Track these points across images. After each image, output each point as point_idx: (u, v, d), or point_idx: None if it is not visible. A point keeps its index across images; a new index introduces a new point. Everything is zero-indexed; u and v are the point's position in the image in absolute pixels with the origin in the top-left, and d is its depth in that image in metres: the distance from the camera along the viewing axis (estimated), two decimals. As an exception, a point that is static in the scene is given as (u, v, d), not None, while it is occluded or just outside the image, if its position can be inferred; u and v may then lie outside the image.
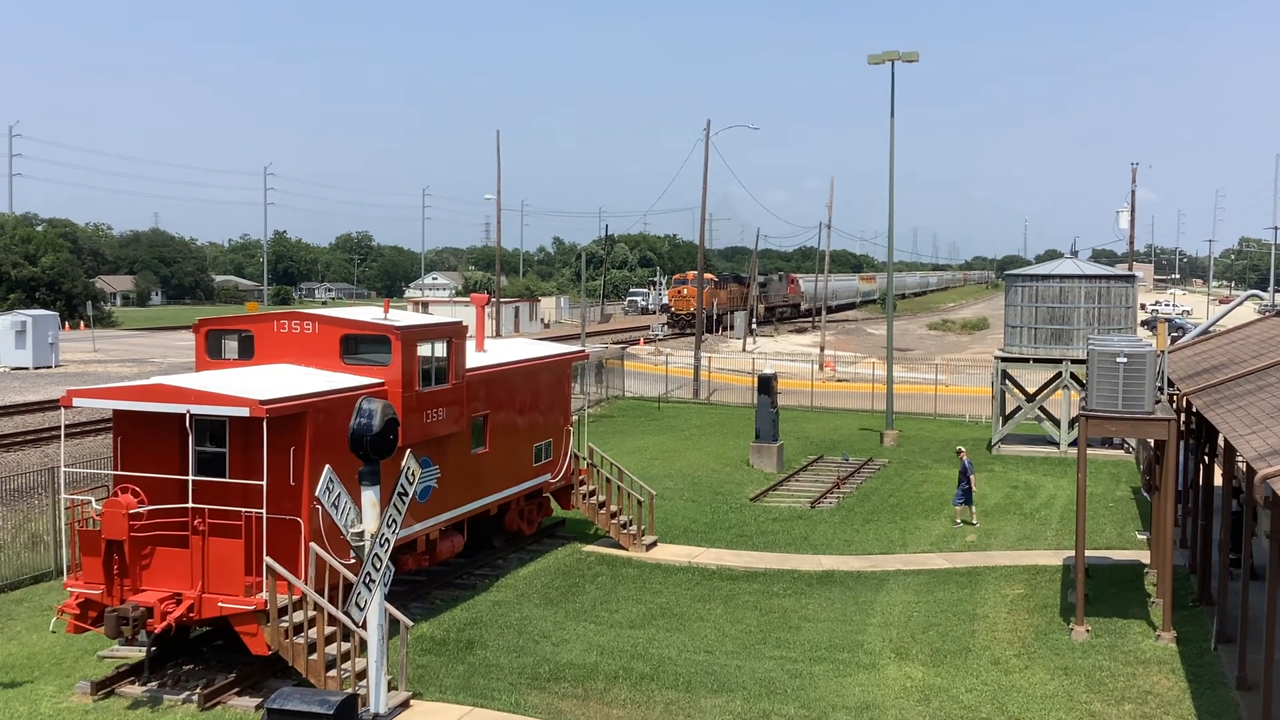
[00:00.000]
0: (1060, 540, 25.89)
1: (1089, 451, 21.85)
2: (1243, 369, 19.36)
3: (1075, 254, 45.87)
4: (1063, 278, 37.66)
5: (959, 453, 29.09)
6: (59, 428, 30.85)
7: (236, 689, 16.03)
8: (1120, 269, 50.19)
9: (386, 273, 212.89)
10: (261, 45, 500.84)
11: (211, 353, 18.76)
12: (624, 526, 24.91)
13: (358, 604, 11.01)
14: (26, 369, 53.48)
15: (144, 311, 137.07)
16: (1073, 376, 36.51)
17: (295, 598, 15.73)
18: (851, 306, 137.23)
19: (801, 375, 55.85)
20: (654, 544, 25.21)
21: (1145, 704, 16.13)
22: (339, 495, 11.02)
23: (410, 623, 16.50)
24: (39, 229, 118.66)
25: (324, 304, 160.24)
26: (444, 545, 20.48)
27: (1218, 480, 22.99)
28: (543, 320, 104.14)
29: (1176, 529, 23.06)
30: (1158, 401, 19.43)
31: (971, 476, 27.98)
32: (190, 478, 15.66)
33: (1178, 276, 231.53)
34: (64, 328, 68.27)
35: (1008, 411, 39.61)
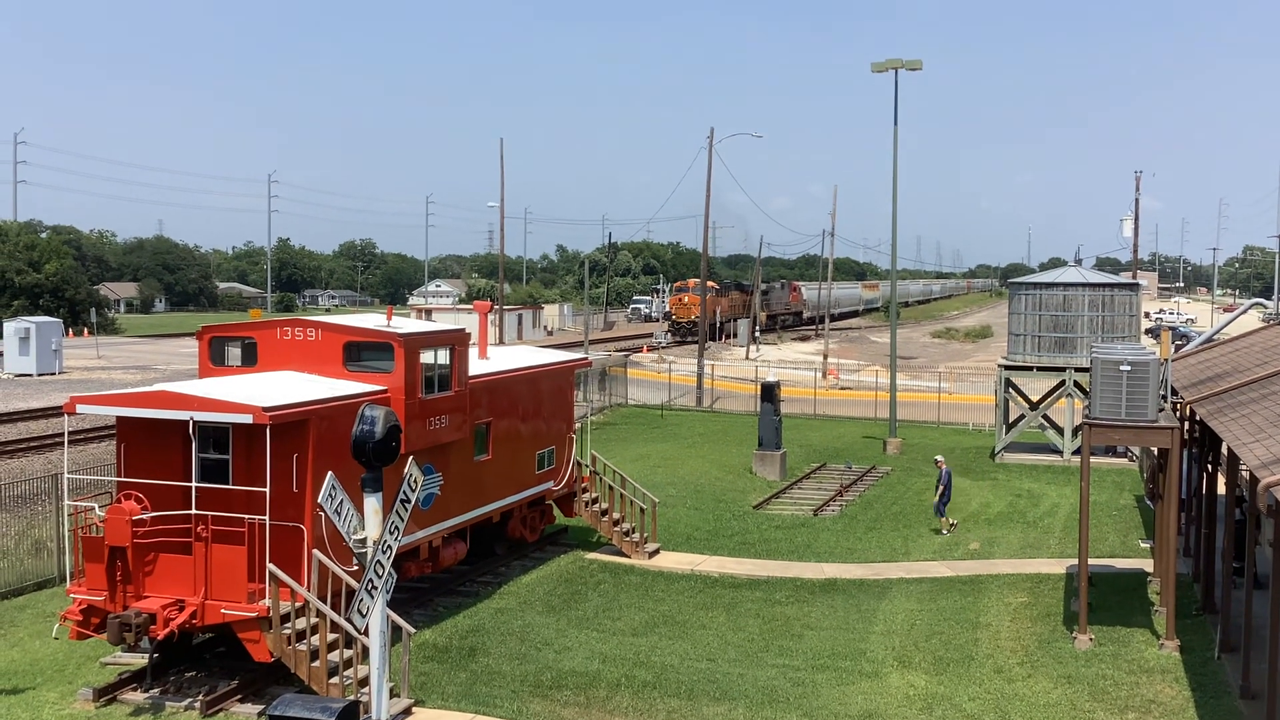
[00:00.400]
0: (1063, 548, 25.85)
1: (1092, 460, 21.83)
2: (1246, 377, 19.34)
3: (1079, 262, 45.88)
4: (1066, 286, 37.66)
5: (937, 462, 29.23)
6: (63, 434, 30.89)
7: (239, 696, 16.03)
8: (1124, 277, 50.14)
9: (390, 280, 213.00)
10: (265, 53, 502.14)
11: (215, 360, 18.79)
12: (626, 534, 24.90)
13: (360, 611, 11.00)
14: (30, 376, 53.53)
15: (148, 319, 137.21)
16: (1076, 384, 36.49)
17: (298, 604, 15.73)
18: (854, 314, 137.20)
19: (805, 383, 55.83)
20: (656, 551, 25.19)
21: (1149, 713, 16.10)
22: (341, 502, 11.01)
23: (413, 630, 16.51)
24: (43, 236, 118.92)
25: (327, 311, 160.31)
26: (447, 552, 20.47)
27: (1221, 489, 22.94)
28: (546, 328, 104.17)
29: (1180, 537, 23.02)
30: (1161, 410, 19.42)
31: (945, 486, 28.10)
32: (193, 484, 15.68)
33: (1182, 285, 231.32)
34: (68, 335, 68.37)
35: (1011, 419, 39.57)
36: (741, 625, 20.24)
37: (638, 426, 46.03)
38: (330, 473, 11.25)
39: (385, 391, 17.83)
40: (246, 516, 15.47)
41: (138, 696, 16.02)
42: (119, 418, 16.40)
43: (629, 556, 24.68)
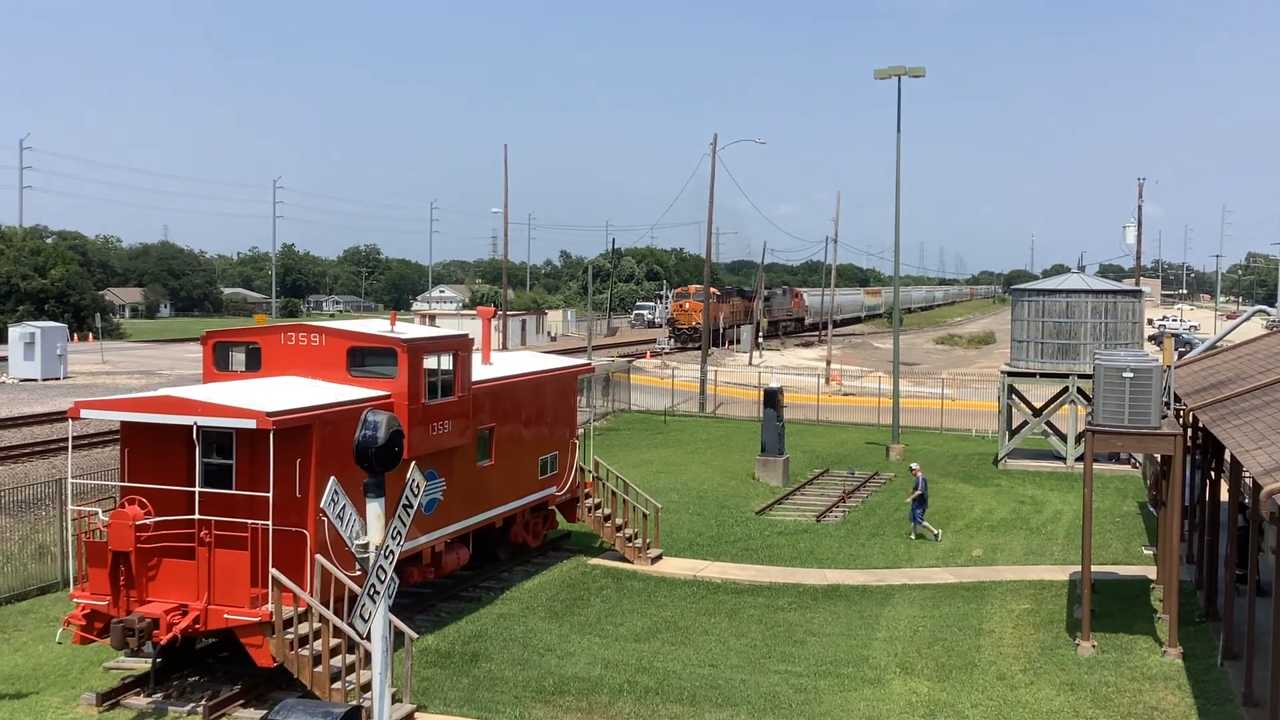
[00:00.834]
0: (1066, 555, 25.83)
1: (1095, 466, 21.83)
2: (1249, 384, 19.34)
3: (1082, 269, 45.81)
4: (1069, 292, 37.66)
5: (912, 469, 29.28)
6: (67, 439, 30.91)
7: (241, 700, 16.05)
8: (1127, 284, 50.15)
9: (394, 285, 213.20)
10: (270, 59, 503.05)
11: (219, 365, 18.84)
12: (629, 540, 24.91)
13: (362, 616, 11.01)
14: (35, 380, 53.61)
15: (152, 324, 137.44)
16: (1079, 391, 36.48)
17: (300, 609, 15.75)
18: (857, 321, 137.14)
19: (808, 389, 55.83)
20: (659, 557, 25.20)
21: (1151, 720, 16.09)
22: (344, 507, 11.03)
23: (415, 635, 16.52)
24: (48, 241, 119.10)
25: (331, 316, 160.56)
26: (449, 558, 20.49)
27: (1224, 495, 22.93)
28: (549, 333, 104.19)
29: (1183, 544, 23.00)
30: (1164, 416, 19.42)
31: (923, 493, 28.19)
32: (197, 489, 15.71)
33: (1185, 292, 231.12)
34: (73, 340, 68.41)
35: (1014, 426, 39.55)
36: (744, 631, 20.23)
37: (641, 432, 46.05)
38: (333, 478, 11.27)
39: (388, 397, 17.86)
40: (250, 521, 15.50)
41: (141, 701, 16.04)
42: (123, 423, 16.44)
43: (632, 562, 24.68)
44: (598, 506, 25.16)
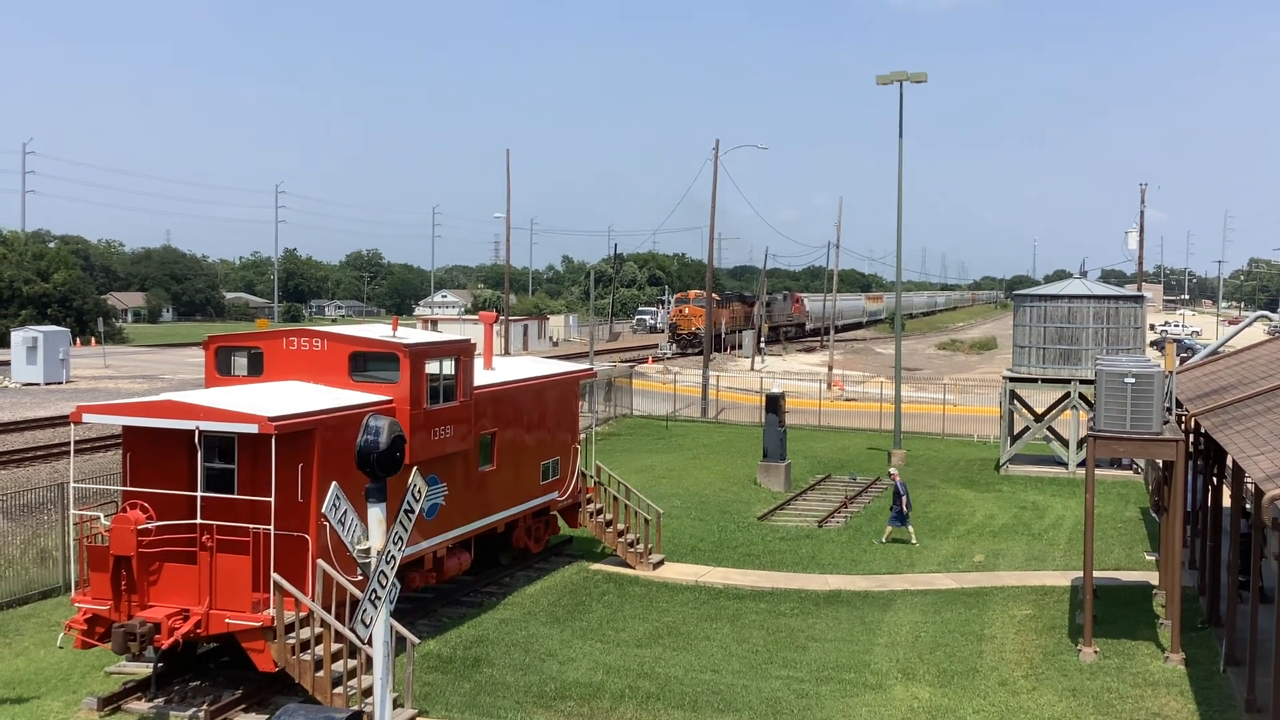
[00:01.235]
0: (1068, 561, 25.80)
1: (1097, 472, 21.82)
2: (1251, 390, 19.32)
3: (1084, 274, 45.88)
4: (1071, 298, 37.66)
5: (891, 475, 29.29)
6: (69, 443, 30.93)
7: (243, 705, 16.05)
8: (1129, 289, 50.13)
9: (396, 290, 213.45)
10: (273, 64, 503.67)
11: (221, 369, 18.85)
12: (631, 545, 24.90)
13: (364, 621, 11.01)
14: (37, 385, 53.63)
15: (155, 328, 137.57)
16: (1081, 397, 36.46)
17: (302, 614, 15.75)
18: (858, 326, 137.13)
19: (809, 394, 55.81)
20: (661, 563, 25.18)
21: (1153, 726, 16.06)
22: (346, 512, 11.03)
23: (417, 640, 16.52)
24: (51, 246, 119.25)
25: (333, 321, 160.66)
26: (451, 563, 20.49)
27: (1226, 501, 22.91)
28: (551, 338, 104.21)
29: (1185, 550, 22.98)
30: (1166, 422, 19.40)
31: (905, 498, 28.19)
32: (199, 494, 15.72)
33: (1187, 297, 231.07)
34: (75, 344, 68.42)
35: (1016, 431, 39.53)
36: (746, 637, 20.22)
37: (642, 437, 46.04)
38: (335, 483, 11.28)
39: (390, 402, 17.87)
40: (251, 526, 15.51)
41: (142, 706, 16.04)
42: (125, 427, 16.45)
43: (633, 567, 24.67)
44: (599, 511, 25.16)
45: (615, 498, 25.29)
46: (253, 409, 15.64)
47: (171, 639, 15.39)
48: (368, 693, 15.21)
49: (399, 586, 11.31)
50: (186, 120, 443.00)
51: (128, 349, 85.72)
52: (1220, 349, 31.11)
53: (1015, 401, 39.45)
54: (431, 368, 18.76)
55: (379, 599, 11.00)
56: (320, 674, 15.54)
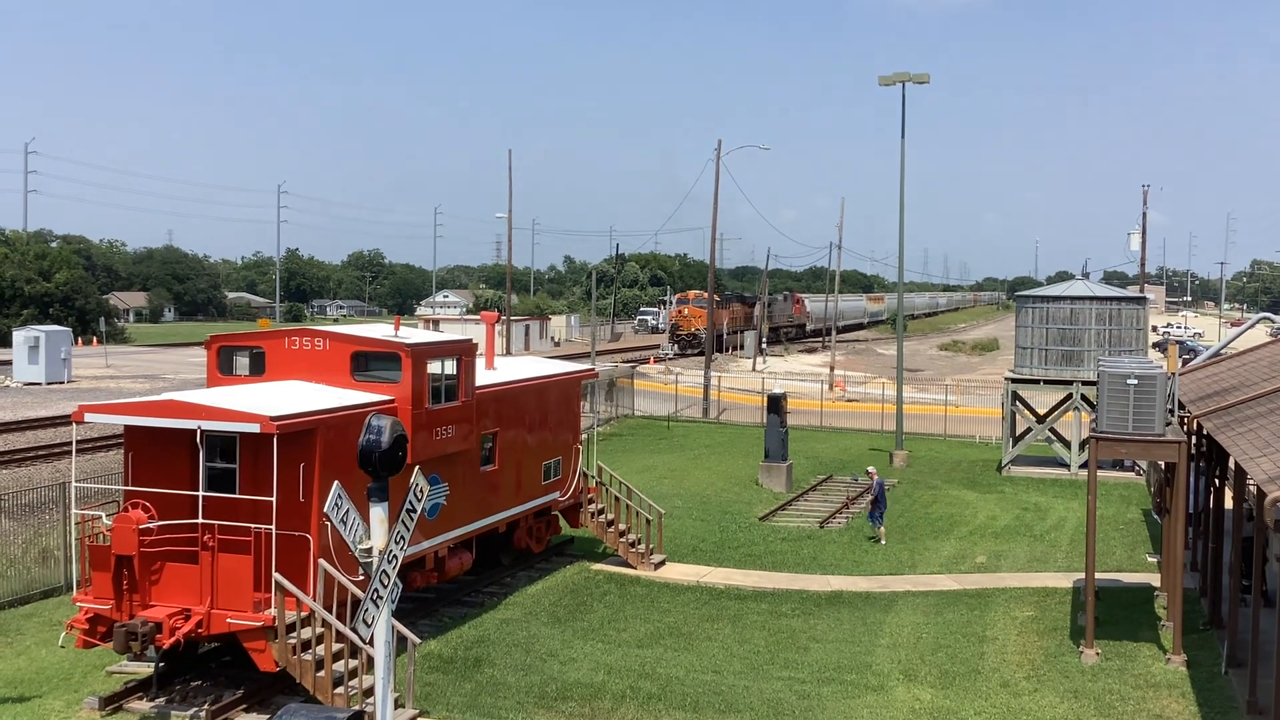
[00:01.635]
0: (1070, 562, 25.79)
1: (1099, 473, 21.80)
2: (1254, 392, 19.31)
3: (1086, 276, 45.89)
4: (1074, 299, 37.64)
5: (870, 473, 29.42)
6: (70, 443, 30.93)
7: (244, 705, 16.05)
8: (1131, 291, 50.11)
9: (398, 290, 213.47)
10: (274, 64, 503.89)
11: (223, 369, 18.85)
12: (632, 545, 24.89)
13: (365, 621, 11.00)
14: (39, 384, 53.65)
15: (157, 328, 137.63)
16: (1083, 398, 36.44)
17: (303, 614, 15.75)
18: (860, 327, 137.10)
19: (811, 395, 55.80)
20: (662, 563, 25.18)
21: (1155, 728, 16.04)
22: (347, 511, 11.03)
23: (418, 640, 16.52)
24: (53, 245, 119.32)
25: (335, 321, 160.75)
26: (452, 562, 20.49)
27: (1229, 503, 22.89)
28: (553, 338, 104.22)
29: (1187, 552, 22.96)
30: (1168, 424, 19.39)
31: (881, 497, 28.48)
32: (200, 493, 15.72)
33: (1189, 299, 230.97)
34: (77, 344, 68.44)
35: (1018, 433, 39.52)
36: (747, 637, 20.21)
37: (644, 438, 46.03)
38: (336, 482, 11.27)
39: (392, 401, 17.87)
40: (253, 526, 15.51)
41: (143, 705, 16.04)
42: (127, 427, 16.45)
43: (635, 568, 24.66)
44: (601, 512, 25.15)
45: (617, 498, 25.28)
46: (255, 408, 15.64)
47: (173, 638, 15.39)
48: (369, 693, 15.20)
49: (400, 586, 11.31)
50: (189, 120, 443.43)
51: (129, 349, 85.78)
52: (1222, 351, 31.08)
53: (1017, 403, 39.43)
54: (433, 367, 18.75)
55: (381, 598, 11.00)
56: (321, 674, 15.54)
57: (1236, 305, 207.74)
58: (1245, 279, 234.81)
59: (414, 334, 20.01)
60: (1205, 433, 20.99)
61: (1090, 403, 34.38)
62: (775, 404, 35.79)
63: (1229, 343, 33.67)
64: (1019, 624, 21.02)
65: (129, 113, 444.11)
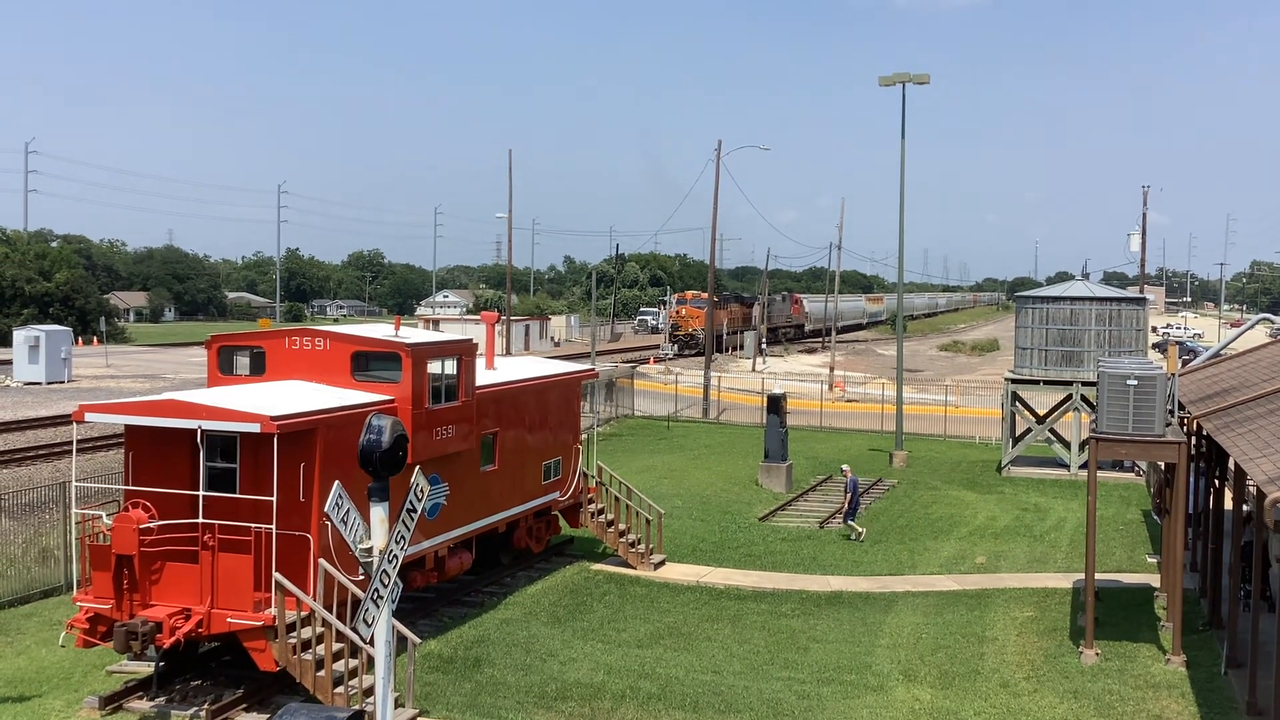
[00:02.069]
0: (1070, 563, 25.80)
1: (1099, 474, 21.81)
2: (1254, 392, 19.32)
3: (1086, 276, 45.88)
4: (1073, 300, 37.65)
5: (844, 471, 29.59)
6: (71, 442, 30.92)
7: (244, 705, 16.05)
8: (1131, 291, 50.11)
9: (398, 290, 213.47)
10: (275, 63, 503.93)
11: (223, 369, 18.86)
12: (632, 545, 24.90)
13: (365, 620, 11.01)
14: (39, 384, 53.64)
15: (157, 328, 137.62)
16: (1083, 399, 36.45)
17: (304, 614, 15.75)
18: (859, 327, 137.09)
19: (811, 395, 55.81)
20: (662, 563, 25.18)
21: (1155, 728, 16.05)
22: (348, 511, 11.04)
23: (418, 640, 16.52)
24: (53, 245, 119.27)
25: (335, 321, 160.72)
26: (452, 562, 20.49)
27: (1228, 504, 22.90)
28: (553, 339, 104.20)
29: (1186, 553, 22.96)
30: (1168, 424, 19.39)
31: (853, 494, 28.77)
32: (201, 493, 15.72)
33: (1189, 299, 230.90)
34: (77, 343, 68.40)
35: (1018, 433, 39.53)
36: (747, 638, 20.21)
37: (644, 438, 46.04)
38: (337, 482, 11.28)
39: (392, 401, 17.88)
40: (253, 525, 15.51)
41: (143, 705, 16.04)
42: (127, 426, 16.46)
43: (634, 568, 24.67)
44: (601, 512, 25.16)
45: (617, 498, 25.29)
46: (255, 408, 15.64)
47: (173, 638, 15.39)
48: (369, 692, 15.21)
49: (401, 586, 11.32)
50: (189, 120, 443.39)
51: (130, 348, 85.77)
52: (1222, 351, 31.09)
53: (1017, 403, 39.44)
54: (434, 367, 18.76)
55: (381, 598, 11.01)
56: (321, 673, 15.55)
57: (1236, 306, 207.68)
58: (1245, 280, 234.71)
59: (414, 334, 20.02)
60: (1205, 433, 21.00)
61: (1090, 403, 34.39)
62: (775, 404, 35.79)
63: (1229, 343, 33.66)
64: (1019, 624, 21.03)
65: (129, 112, 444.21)
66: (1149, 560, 26.05)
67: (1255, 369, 22.98)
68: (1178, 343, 69.61)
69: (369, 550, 11.07)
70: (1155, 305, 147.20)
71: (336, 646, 15.81)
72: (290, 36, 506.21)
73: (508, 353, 63.28)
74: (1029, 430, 39.53)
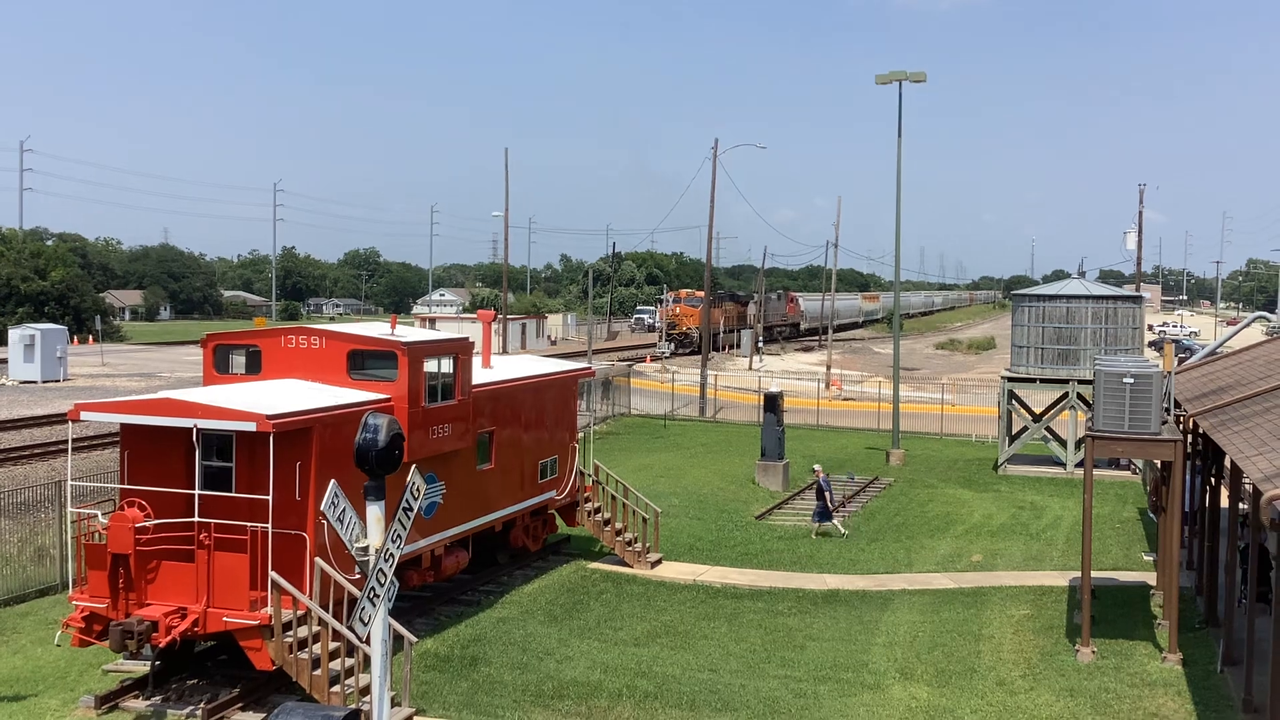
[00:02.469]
0: (1066, 561, 25.81)
1: (1095, 472, 21.82)
2: (1250, 390, 19.33)
3: (1082, 274, 45.86)
4: (1070, 298, 37.68)
5: (815, 470, 29.62)
6: (66, 441, 30.89)
7: (240, 704, 16.03)
8: (1127, 290, 50.16)
9: (394, 289, 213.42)
10: (271, 62, 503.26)
11: (219, 367, 18.84)
12: (629, 544, 24.89)
13: (362, 619, 11.00)
14: (35, 383, 53.60)
15: (152, 326, 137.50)
16: (1079, 397, 36.48)
17: (300, 613, 15.74)
18: (855, 326, 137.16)
19: (808, 394, 55.83)
20: (659, 561, 25.18)
21: (1151, 726, 16.06)
22: (344, 510, 11.03)
23: (414, 639, 16.50)
24: (49, 243, 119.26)
25: (331, 320, 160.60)
26: (449, 561, 20.48)
27: (1224, 502, 22.92)
28: (549, 337, 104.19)
29: (1183, 551, 22.98)
30: (1164, 422, 19.40)
31: (828, 494, 28.78)
32: (197, 492, 15.70)
33: (1185, 297, 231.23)
34: (73, 342, 68.38)
35: (1014, 432, 39.56)
36: (743, 636, 20.22)
37: (641, 436, 46.03)
38: (333, 480, 11.27)
39: (389, 400, 17.86)
40: (249, 524, 15.49)
41: (139, 704, 16.03)
42: (123, 425, 16.43)
43: (631, 566, 24.66)
44: (597, 510, 25.15)
45: (613, 496, 25.28)
46: (251, 407, 15.62)
47: (169, 637, 15.38)
48: (365, 691, 15.20)
49: (397, 585, 11.31)
50: (185, 118, 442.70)
51: (125, 347, 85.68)
52: (1218, 349, 31.13)
53: (1013, 401, 39.48)
54: (430, 366, 18.75)
55: (377, 597, 11.00)
56: (318, 672, 15.53)
57: (1232, 304, 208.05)
58: (1241, 278, 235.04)
59: (410, 333, 20.00)
60: (1201, 431, 21.02)
61: (1086, 401, 34.43)
62: (772, 403, 35.80)
63: (1225, 341, 33.70)
64: (1015, 622, 21.04)
65: (125, 110, 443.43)
66: (1145, 558, 26.08)
67: (1251, 367, 23.00)
68: (1174, 341, 69.72)
69: (365, 549, 11.06)
70: (1151, 303, 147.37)
71: (333, 645, 15.80)
72: (287, 36, 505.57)
73: (504, 351, 63.25)
74: (1025, 428, 39.57)
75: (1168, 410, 19.96)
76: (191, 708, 15.80)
